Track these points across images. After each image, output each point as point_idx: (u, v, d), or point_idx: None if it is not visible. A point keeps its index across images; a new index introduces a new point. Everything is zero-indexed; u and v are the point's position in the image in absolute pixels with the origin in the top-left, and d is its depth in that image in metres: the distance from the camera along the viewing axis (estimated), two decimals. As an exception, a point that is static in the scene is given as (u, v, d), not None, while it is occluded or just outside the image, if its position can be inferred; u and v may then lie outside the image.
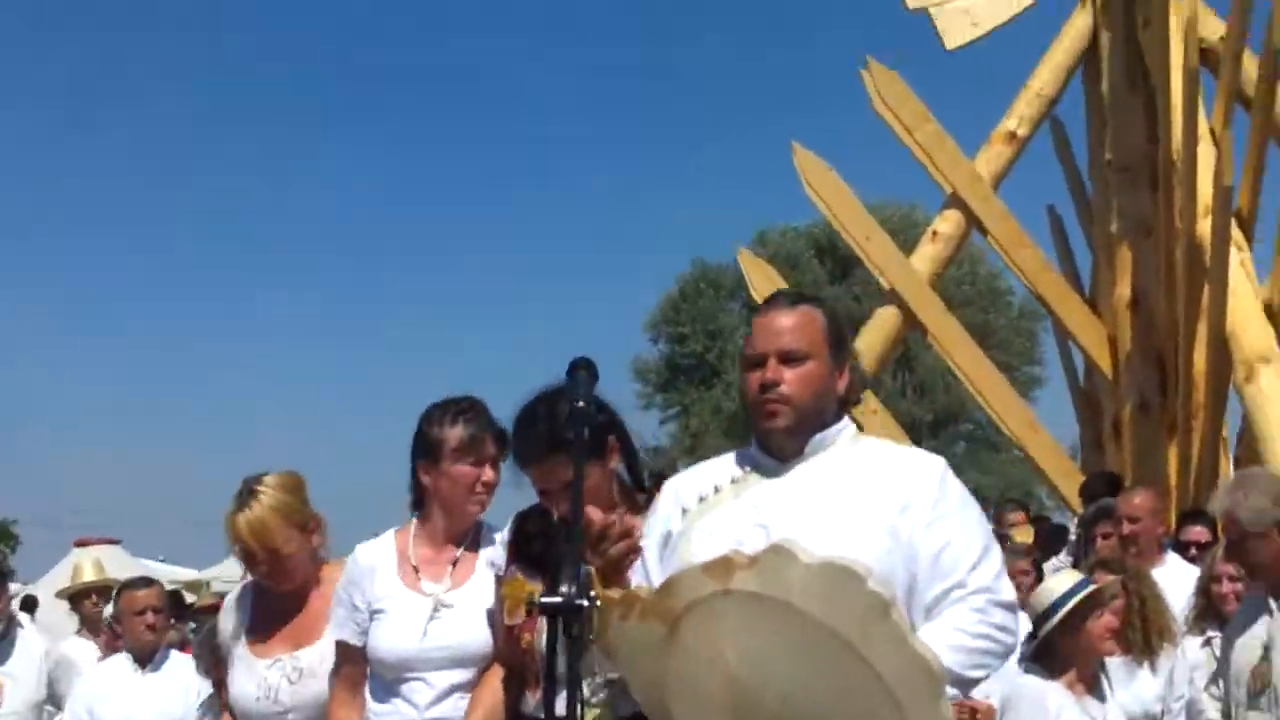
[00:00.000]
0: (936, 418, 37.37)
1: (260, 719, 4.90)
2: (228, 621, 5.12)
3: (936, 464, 3.89)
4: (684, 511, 3.91)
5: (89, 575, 11.57)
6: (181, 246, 69.24)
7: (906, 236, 12.32)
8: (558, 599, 3.21)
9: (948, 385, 35.30)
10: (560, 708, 3.27)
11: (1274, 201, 9.63)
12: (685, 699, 3.53)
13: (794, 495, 3.67)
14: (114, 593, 8.93)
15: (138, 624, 7.94)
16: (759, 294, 11.96)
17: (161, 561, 22.08)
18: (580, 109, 69.98)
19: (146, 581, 8.51)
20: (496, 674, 4.49)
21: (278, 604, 5.09)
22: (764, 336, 3.85)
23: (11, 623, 8.57)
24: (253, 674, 4.93)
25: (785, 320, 3.85)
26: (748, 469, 3.90)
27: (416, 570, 4.81)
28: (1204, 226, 9.53)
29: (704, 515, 3.86)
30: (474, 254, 72.85)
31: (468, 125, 71.28)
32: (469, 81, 70.19)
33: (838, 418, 3.91)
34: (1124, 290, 11.21)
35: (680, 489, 4.01)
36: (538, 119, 68.83)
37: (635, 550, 3.60)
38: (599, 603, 3.27)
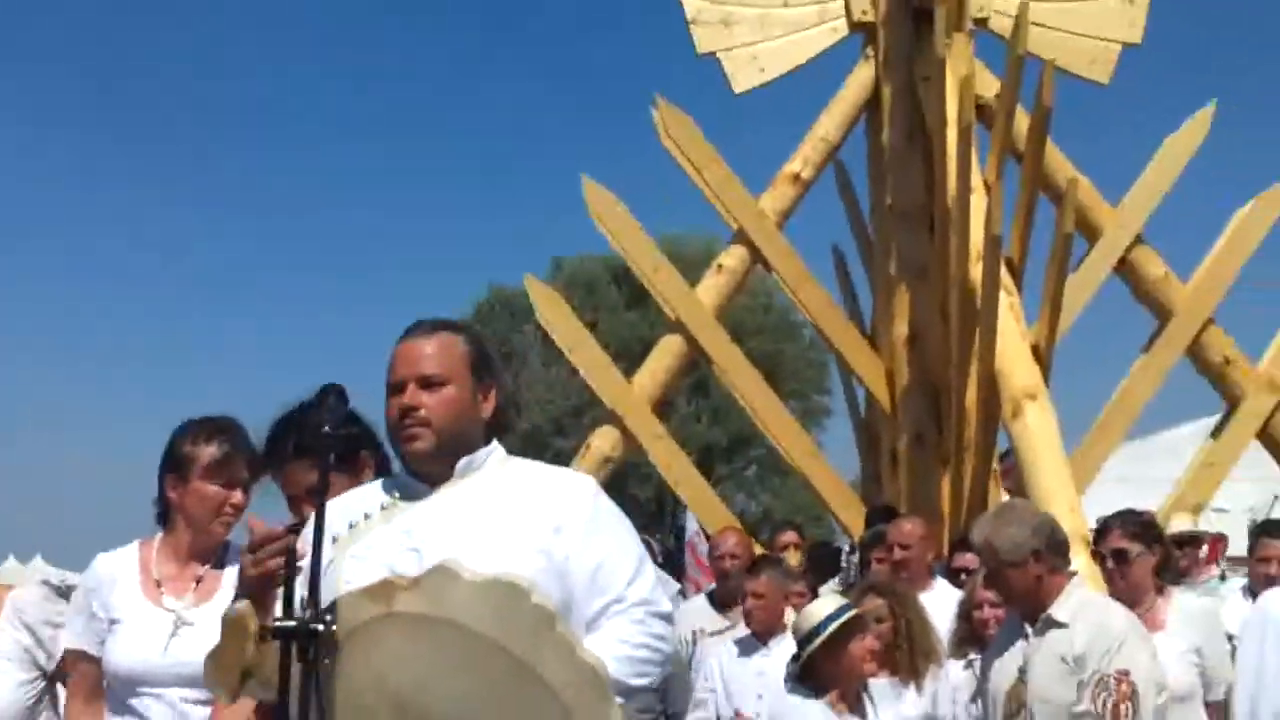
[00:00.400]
0: (730, 442, 37.72)
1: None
2: (111, 588, 4.84)
3: (587, 484, 4.02)
4: (334, 540, 3.88)
5: None
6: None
7: (702, 269, 12.46)
8: (292, 623, 3.25)
9: (741, 410, 35.52)
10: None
11: (1042, 250, 10.00)
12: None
13: (445, 518, 3.75)
14: None
15: None
16: (545, 320, 12.11)
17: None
18: (383, 133, 69.36)
19: None
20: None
21: (167, 575, 4.88)
22: (403, 363, 3.92)
23: None
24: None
25: (424, 347, 3.93)
26: (397, 495, 3.93)
27: (159, 584, 4.76)
28: (976, 271, 9.88)
29: (355, 542, 3.87)
30: (276, 270, 71.52)
31: (262, 138, 70.09)
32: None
33: (486, 441, 4.01)
34: (902, 328, 11.56)
35: (330, 516, 3.91)
36: (336, 136, 68.00)
37: (286, 571, 3.53)
38: (320, 628, 3.26)
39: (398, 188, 68.56)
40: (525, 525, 3.78)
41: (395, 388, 3.92)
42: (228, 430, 4.81)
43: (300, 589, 3.54)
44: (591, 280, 37.73)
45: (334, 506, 3.97)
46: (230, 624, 3.80)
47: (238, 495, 4.77)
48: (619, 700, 3.60)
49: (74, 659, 4.78)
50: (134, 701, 4.60)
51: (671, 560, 12.59)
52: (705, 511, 12.13)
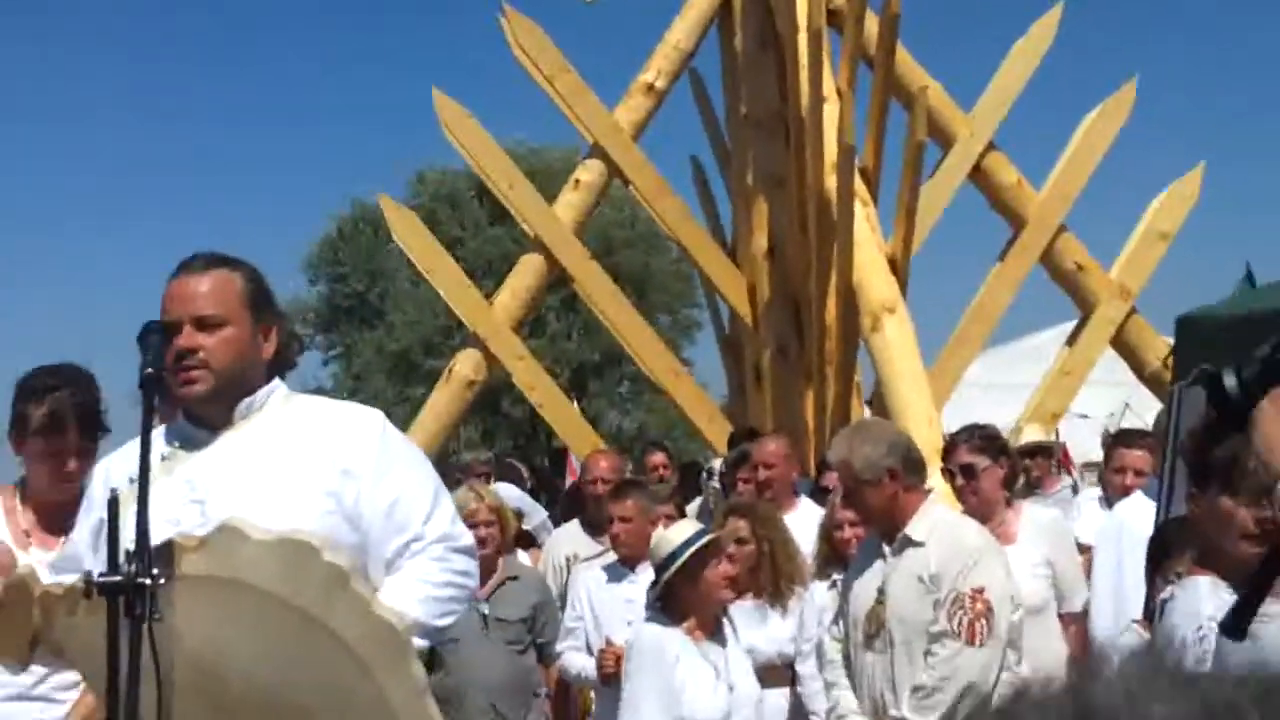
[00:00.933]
0: (602, 358, 37.73)
1: None
2: None
3: (375, 419, 3.88)
4: (113, 494, 3.63)
5: None
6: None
7: (554, 187, 12.41)
8: (118, 577, 3.09)
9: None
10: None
11: (897, 159, 9.95)
12: (151, 689, 3.42)
13: (227, 466, 3.62)
14: None
15: None
16: (400, 239, 11.97)
17: None
18: (235, 41, 67.86)
19: None
20: None
21: (41, 521, 4.75)
22: (178, 302, 3.74)
23: None
24: None
25: (199, 284, 3.75)
26: (176, 444, 3.79)
27: (28, 535, 4.62)
28: (831, 182, 9.80)
29: (135, 499, 3.60)
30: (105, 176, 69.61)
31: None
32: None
33: (267, 380, 3.86)
34: (761, 240, 11.50)
35: (110, 470, 3.86)
36: (191, 38, 66.38)
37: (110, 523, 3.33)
38: (149, 582, 3.10)
39: (254, 96, 67.08)
40: (311, 469, 3.67)
41: (167, 328, 3.70)
42: (59, 386, 4.57)
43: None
44: (455, 195, 37.29)
45: (113, 459, 3.92)
46: (13, 588, 3.69)
47: (71, 463, 4.55)
48: (423, 642, 3.59)
49: None
50: None
51: (545, 483, 12.53)
52: (571, 433, 12.09)
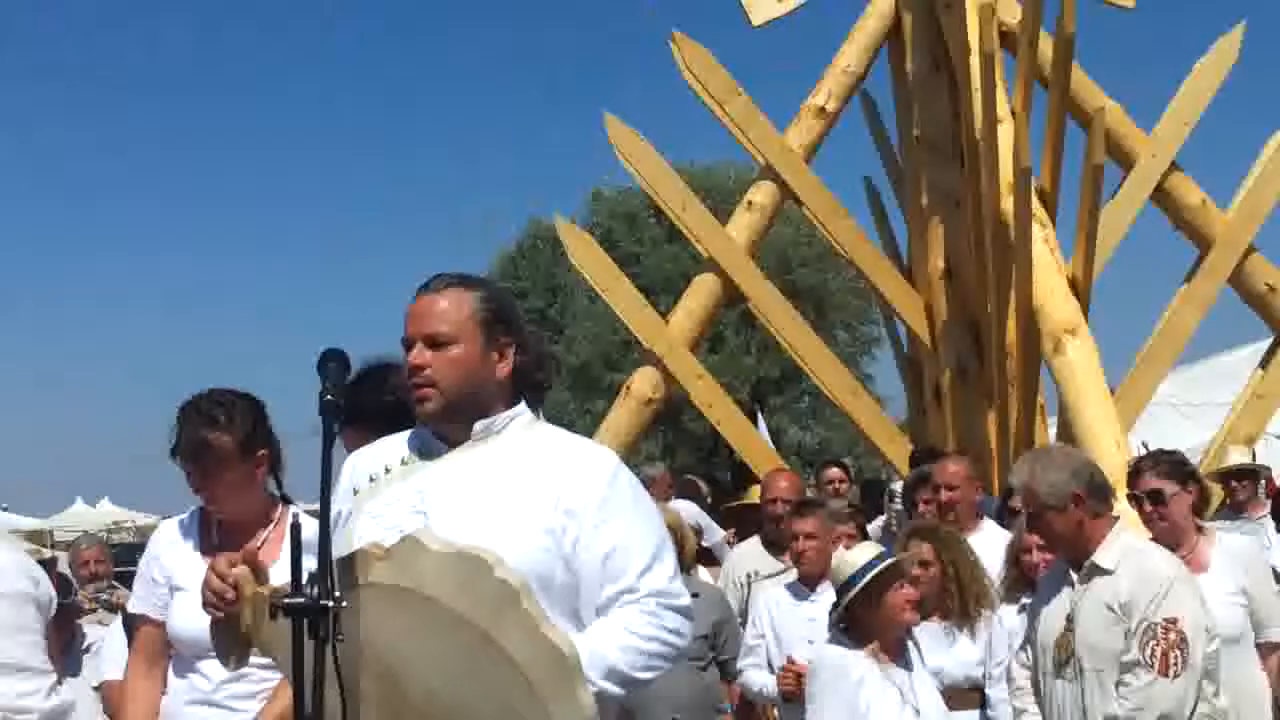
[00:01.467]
0: (782, 373, 37.57)
1: None
2: (172, 553, 4.92)
3: (608, 461, 3.83)
4: (355, 492, 3.86)
5: None
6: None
7: (742, 197, 12.41)
8: (301, 599, 3.18)
9: (792, 342, 35.37)
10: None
11: (1076, 181, 9.83)
12: (337, 700, 3.46)
13: (456, 483, 3.64)
14: None
15: None
16: (578, 262, 12.05)
17: (3, 510, 21.49)
18: (420, 77, 69.10)
19: None
20: None
21: (227, 539, 4.87)
22: (412, 320, 3.80)
23: None
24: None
25: (433, 304, 3.80)
26: (417, 452, 3.83)
27: (218, 548, 4.69)
28: (1008, 203, 9.71)
29: (371, 498, 3.82)
30: (305, 206, 71.53)
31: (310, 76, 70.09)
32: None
33: (513, 402, 3.88)
34: (937, 261, 11.41)
35: (357, 465, 3.96)
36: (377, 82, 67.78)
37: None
38: (328, 603, 3.19)
39: (426, 118, 68.18)
40: (535, 503, 3.65)
41: (407, 344, 3.80)
42: (194, 411, 4.80)
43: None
44: (632, 213, 37.46)
45: (363, 454, 3.97)
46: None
47: (204, 491, 4.80)
48: (617, 690, 3.54)
49: (137, 622, 4.83)
50: (199, 664, 4.67)
51: (726, 500, 12.47)
52: (750, 450, 12.08)
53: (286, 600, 3.19)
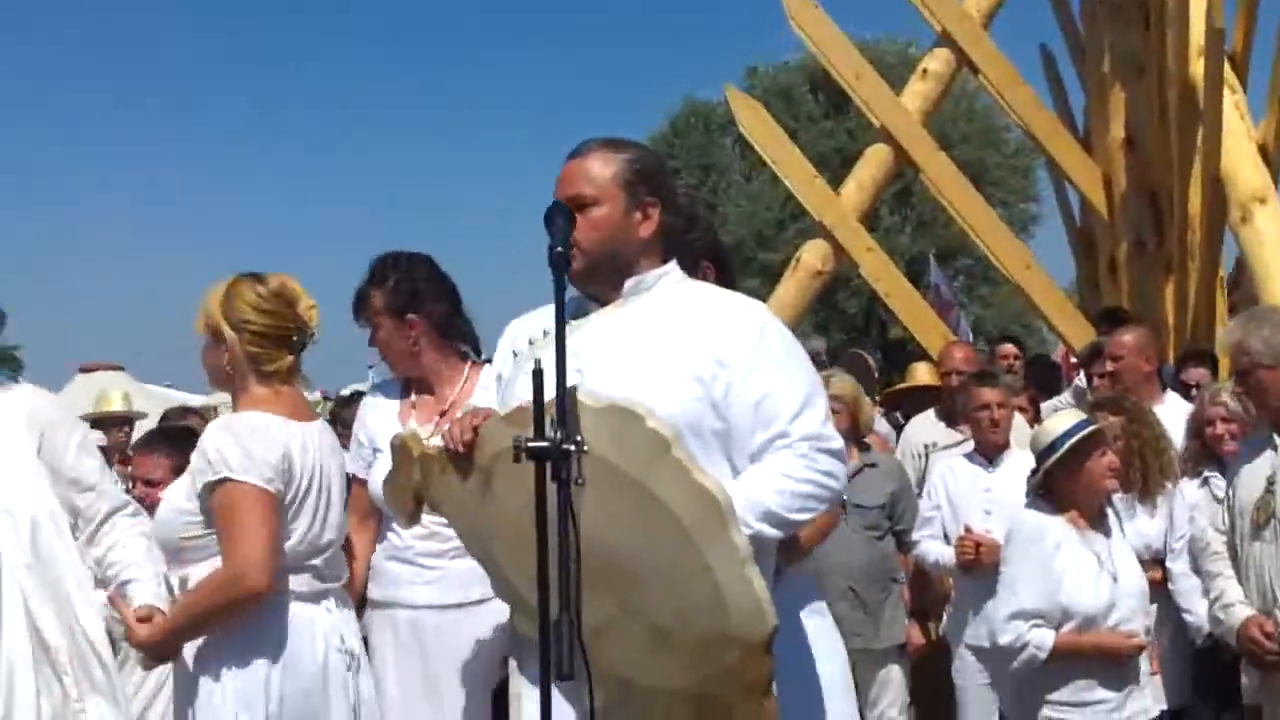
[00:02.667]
0: (937, 252, 37.20)
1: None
2: (374, 416, 5.17)
3: (758, 312, 3.88)
4: (515, 355, 3.97)
5: (118, 405, 11.75)
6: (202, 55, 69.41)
7: (902, 74, 12.23)
8: (544, 443, 3.26)
9: (948, 220, 34.99)
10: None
11: (1267, 43, 9.52)
12: (507, 547, 3.64)
13: (608, 339, 3.69)
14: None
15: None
16: (747, 130, 11.93)
17: (169, 387, 21.91)
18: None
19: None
20: None
21: (421, 399, 5.16)
22: (560, 183, 3.89)
23: None
24: None
25: (578, 167, 3.88)
26: (571, 315, 3.85)
27: (413, 407, 5.08)
28: (1196, 68, 9.45)
29: (531, 360, 3.77)
30: (464, 89, 72.13)
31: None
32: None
33: (661, 261, 3.95)
34: (1118, 130, 11.16)
35: (516, 332, 4.08)
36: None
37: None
38: (518, 449, 3.30)
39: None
40: (686, 353, 3.72)
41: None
42: (372, 267, 5.08)
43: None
44: (788, 90, 37.15)
45: (521, 321, 4.11)
46: (398, 450, 4.04)
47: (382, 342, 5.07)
48: (774, 532, 3.62)
49: (354, 482, 4.98)
50: (393, 522, 4.90)
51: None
52: (917, 323, 11.98)
53: (530, 444, 3.26)
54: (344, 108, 72.31)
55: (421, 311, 5.04)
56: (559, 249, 3.52)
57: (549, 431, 3.27)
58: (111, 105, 73.48)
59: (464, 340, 5.20)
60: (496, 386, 4.07)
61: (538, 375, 3.31)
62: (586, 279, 3.82)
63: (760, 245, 35.43)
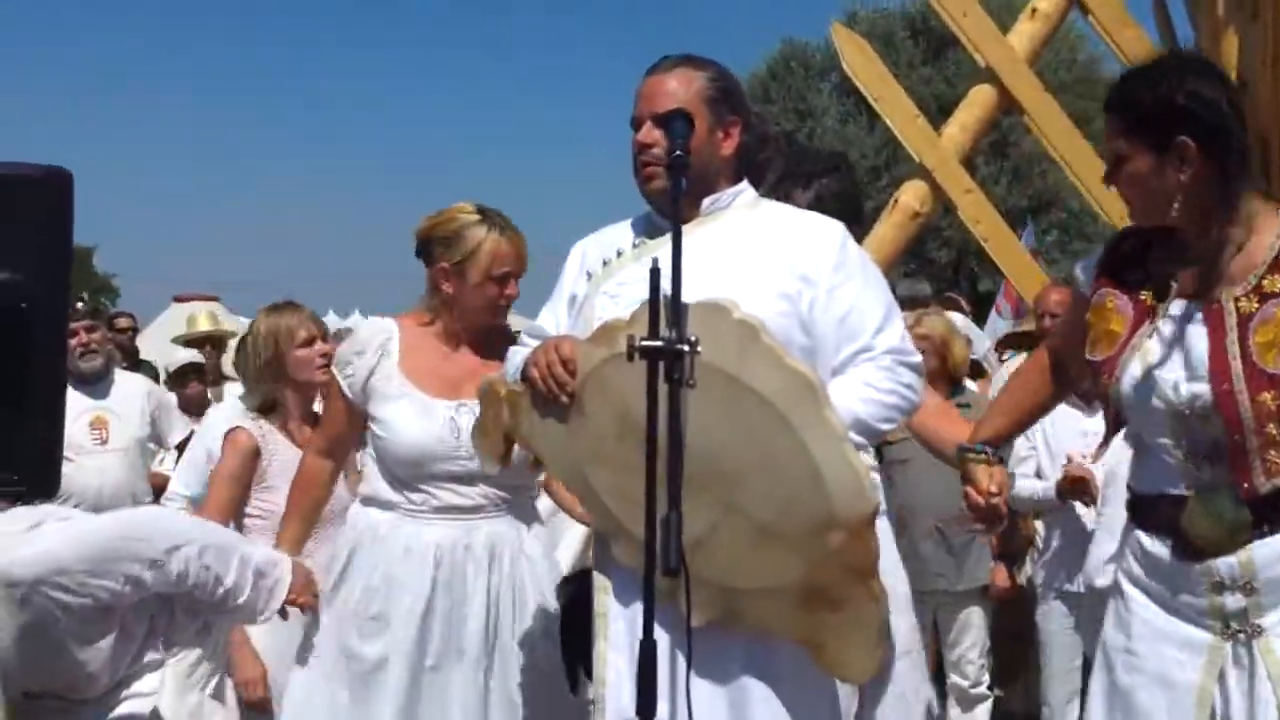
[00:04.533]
0: (1031, 204, 36.80)
1: (434, 458, 4.92)
2: (363, 360, 5.08)
3: (836, 229, 3.96)
4: (589, 276, 4.02)
5: (204, 325, 11.98)
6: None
7: (1007, 18, 12.02)
8: (658, 342, 3.32)
9: (1043, 172, 34.75)
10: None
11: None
12: (603, 468, 3.68)
13: (690, 258, 3.66)
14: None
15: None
16: (851, 68, 11.76)
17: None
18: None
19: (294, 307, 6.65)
20: None
21: (432, 352, 5.10)
22: (641, 100, 3.95)
23: (111, 360, 8.78)
24: (431, 415, 4.91)
25: (661, 83, 3.92)
26: (644, 235, 4.01)
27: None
28: (1316, 10, 9.23)
29: (607, 280, 3.96)
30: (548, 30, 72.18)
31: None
32: None
33: (736, 180, 4.01)
34: (1229, 75, 10.89)
35: (587, 252, 4.14)
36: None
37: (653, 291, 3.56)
38: (683, 346, 3.31)
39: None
40: (770, 270, 3.82)
41: (634, 124, 3.96)
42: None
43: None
44: (887, 34, 36.89)
45: (590, 242, 4.21)
46: (485, 395, 4.12)
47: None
48: (861, 440, 3.66)
49: None
50: None
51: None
52: (1015, 268, 11.84)
53: (644, 341, 3.33)
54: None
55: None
56: (679, 153, 3.60)
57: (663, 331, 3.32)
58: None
59: None
60: (567, 308, 4.09)
61: (655, 274, 3.35)
62: (668, 194, 3.79)
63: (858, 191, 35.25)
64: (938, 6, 11.67)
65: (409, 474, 4.88)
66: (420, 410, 4.84)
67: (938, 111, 13.02)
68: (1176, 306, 3.72)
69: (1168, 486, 3.73)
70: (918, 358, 4.00)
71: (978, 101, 11.53)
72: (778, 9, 67.46)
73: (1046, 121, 11.57)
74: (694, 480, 3.37)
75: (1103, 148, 3.96)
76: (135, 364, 11.82)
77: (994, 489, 4.07)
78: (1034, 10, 11.43)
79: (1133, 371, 3.68)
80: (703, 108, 3.91)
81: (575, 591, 4.44)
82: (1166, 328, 3.68)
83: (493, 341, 4.91)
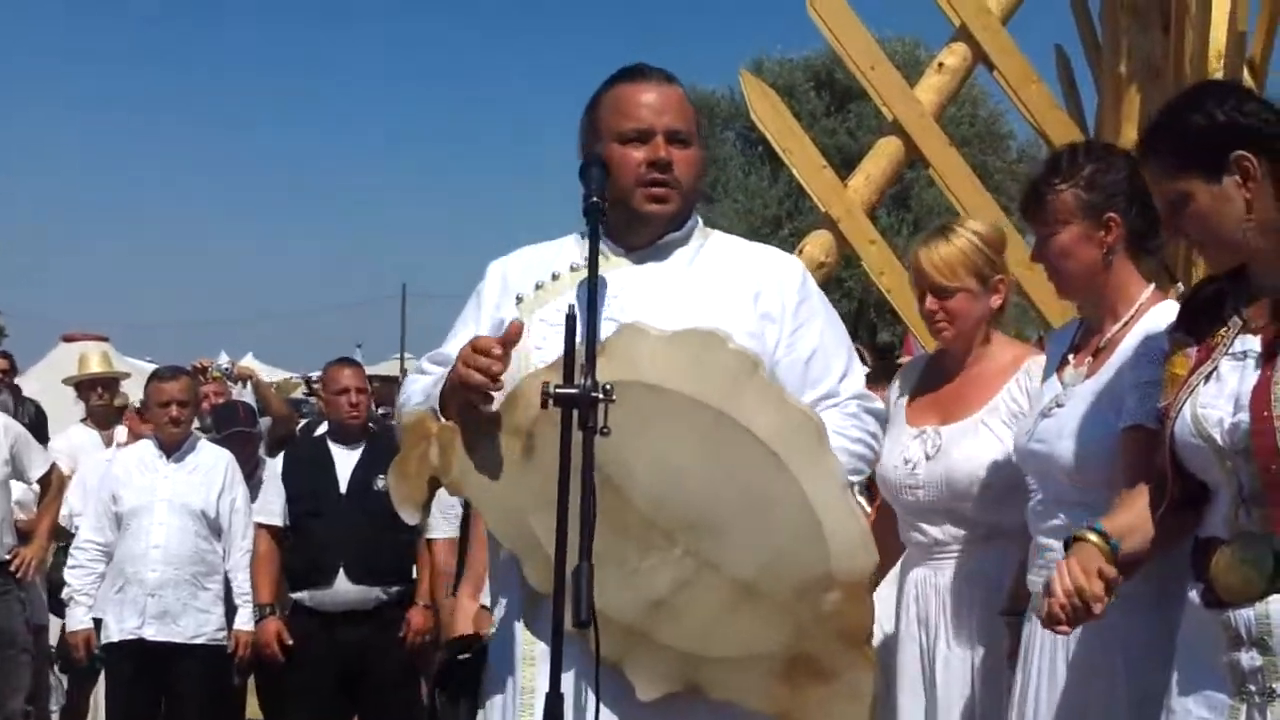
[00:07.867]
0: (933, 253, 37.08)
1: (894, 487, 4.75)
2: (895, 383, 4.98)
3: (796, 265, 3.78)
4: (519, 300, 3.67)
5: (95, 366, 11.72)
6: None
7: (909, 74, 12.11)
8: (573, 389, 3.06)
9: (948, 222, 35.01)
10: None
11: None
12: (552, 516, 3.17)
13: (647, 289, 3.53)
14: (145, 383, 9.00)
15: (161, 415, 8.22)
16: (759, 118, 11.74)
17: (149, 361, 21.80)
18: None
19: (174, 372, 8.65)
20: None
21: (936, 370, 4.98)
22: (651, 111, 3.62)
23: None
24: (898, 441, 4.71)
25: (670, 97, 3.66)
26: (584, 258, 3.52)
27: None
28: (1214, 72, 9.36)
29: (543, 305, 3.63)
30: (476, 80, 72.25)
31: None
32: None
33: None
34: (1131, 132, 10.97)
35: (509, 273, 3.78)
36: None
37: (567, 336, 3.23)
38: (598, 395, 3.05)
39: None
40: (734, 307, 3.56)
41: (641, 136, 3.62)
42: None
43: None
44: (791, 86, 37.09)
45: (513, 262, 3.82)
46: (409, 429, 3.59)
47: None
48: None
49: None
50: None
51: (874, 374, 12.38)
52: (917, 320, 11.78)
53: (559, 389, 3.07)
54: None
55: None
56: (594, 199, 3.36)
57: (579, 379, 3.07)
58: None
59: None
60: (490, 332, 3.64)
61: (570, 319, 3.14)
62: (668, 223, 3.66)
63: (756, 239, 35.41)
64: (847, 60, 11.74)
65: None
66: None
67: (841, 163, 13.18)
68: (1240, 343, 3.45)
69: (1214, 531, 3.41)
70: (880, 404, 3.86)
71: (884, 153, 11.57)
72: (682, 58, 67.87)
73: (950, 174, 11.64)
74: (658, 530, 3.17)
75: (1002, 200, 3.88)
76: (19, 401, 11.50)
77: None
78: (940, 65, 11.54)
79: (1185, 413, 3.42)
80: (697, 134, 3.75)
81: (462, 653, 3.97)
82: (1225, 365, 3.41)
83: None
